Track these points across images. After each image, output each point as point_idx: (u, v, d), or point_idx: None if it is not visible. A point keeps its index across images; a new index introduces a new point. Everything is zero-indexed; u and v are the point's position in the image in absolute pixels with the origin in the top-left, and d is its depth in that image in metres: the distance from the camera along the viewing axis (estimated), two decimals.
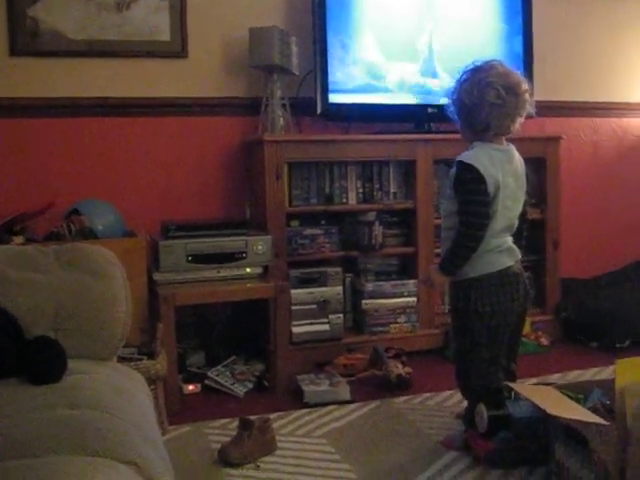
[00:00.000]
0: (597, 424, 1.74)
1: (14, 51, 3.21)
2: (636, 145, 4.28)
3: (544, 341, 3.47)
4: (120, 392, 1.61)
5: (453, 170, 2.28)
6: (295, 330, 3.17)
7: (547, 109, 3.95)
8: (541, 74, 3.80)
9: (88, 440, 1.25)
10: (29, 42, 3.22)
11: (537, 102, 3.66)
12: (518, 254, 2.35)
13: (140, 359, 2.51)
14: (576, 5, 4.10)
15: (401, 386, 2.91)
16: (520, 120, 2.28)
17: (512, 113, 2.23)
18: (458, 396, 2.68)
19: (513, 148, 2.34)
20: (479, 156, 2.23)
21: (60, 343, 1.68)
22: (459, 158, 2.25)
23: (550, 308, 3.64)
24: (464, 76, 2.28)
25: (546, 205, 3.60)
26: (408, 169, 3.40)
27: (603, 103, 4.17)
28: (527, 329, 3.49)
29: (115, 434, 1.30)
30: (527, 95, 2.25)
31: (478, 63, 2.28)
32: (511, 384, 2.16)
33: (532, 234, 3.57)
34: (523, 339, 3.39)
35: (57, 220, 2.99)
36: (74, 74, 3.27)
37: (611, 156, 4.24)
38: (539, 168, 3.61)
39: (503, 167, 2.25)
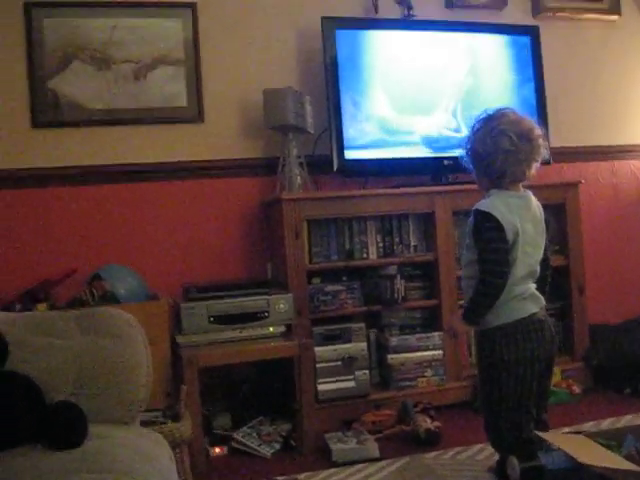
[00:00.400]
0: (632, 472, 1.69)
1: (36, 123, 3.29)
2: None
3: (576, 389, 3.39)
4: (141, 455, 1.59)
5: (471, 219, 2.27)
6: (321, 388, 3.13)
7: (564, 155, 3.97)
8: (555, 120, 3.82)
9: None
10: (50, 114, 3.30)
11: (553, 149, 3.71)
12: (542, 301, 2.32)
13: (164, 422, 2.48)
14: (586, 48, 4.13)
15: (430, 441, 2.85)
16: (536, 165, 2.28)
17: (527, 159, 2.23)
18: (489, 450, 2.61)
19: (530, 194, 2.33)
20: (496, 204, 2.22)
21: (81, 407, 1.67)
22: (476, 207, 2.25)
23: (579, 355, 3.57)
24: (477, 125, 2.30)
25: (569, 251, 3.56)
26: (427, 221, 3.40)
27: (620, 146, 4.16)
28: (557, 378, 3.44)
29: None
30: (541, 140, 2.24)
31: (490, 112, 2.30)
32: (541, 433, 2.10)
33: (557, 281, 3.53)
34: (554, 388, 3.35)
35: (80, 286, 3.02)
36: (93, 143, 3.34)
37: (632, 198, 4.21)
38: (559, 214, 3.59)
39: (521, 213, 2.24)
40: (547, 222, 2.38)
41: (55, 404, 1.68)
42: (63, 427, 1.61)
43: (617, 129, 4.19)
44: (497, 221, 2.18)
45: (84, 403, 1.75)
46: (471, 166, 2.33)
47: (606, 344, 3.65)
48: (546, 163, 3.62)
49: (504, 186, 2.26)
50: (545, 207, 2.33)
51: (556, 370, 3.43)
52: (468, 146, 2.30)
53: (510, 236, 2.19)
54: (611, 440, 1.97)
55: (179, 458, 2.47)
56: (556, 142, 3.82)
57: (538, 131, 2.26)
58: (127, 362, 1.87)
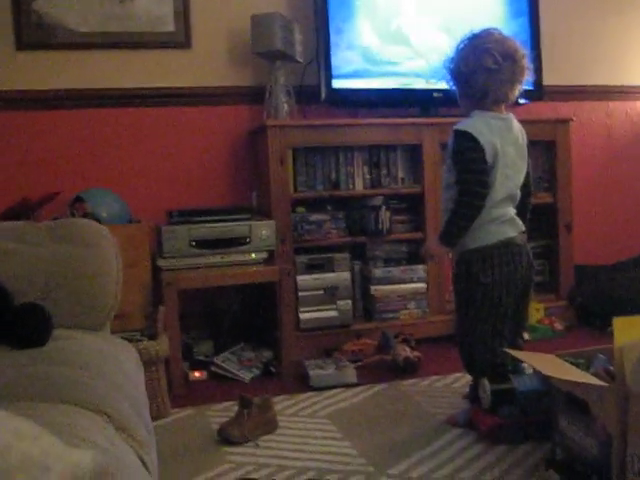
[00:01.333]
0: (597, 387, 1.68)
1: (20, 45, 3.24)
2: None
3: (558, 326, 3.40)
4: (104, 356, 1.59)
5: (451, 139, 2.24)
6: (303, 317, 3.14)
7: (558, 93, 3.92)
8: (550, 57, 3.76)
9: (59, 390, 1.23)
10: (34, 35, 3.24)
11: (547, 86, 3.69)
12: (521, 226, 2.30)
13: (140, 340, 2.49)
14: None
15: (408, 369, 2.86)
16: (519, 87, 2.24)
17: (510, 79, 2.19)
18: (466, 378, 2.63)
19: (513, 117, 2.29)
20: (476, 124, 2.19)
21: (46, 309, 1.66)
22: (456, 127, 2.22)
23: (564, 293, 3.56)
24: (461, 44, 2.26)
25: (557, 188, 3.53)
26: (415, 154, 3.37)
27: (616, 87, 4.10)
28: (541, 315, 3.44)
29: (88, 386, 1.28)
30: (525, 61, 2.20)
31: (475, 31, 2.25)
32: (510, 350, 2.10)
33: (544, 218, 3.53)
34: (537, 324, 3.36)
35: (62, 209, 3.00)
36: (78, 66, 3.29)
37: (625, 140, 4.16)
38: (549, 151, 3.56)
39: (502, 135, 2.21)
40: (529, 147, 2.34)
41: (20, 305, 1.67)
42: (27, 327, 1.60)
43: (614, 69, 4.11)
44: (477, 141, 2.15)
45: (52, 308, 1.74)
46: (454, 85, 2.29)
47: (591, 284, 3.64)
48: (538, 99, 3.62)
49: (486, 107, 2.23)
50: (536, 143, 2.30)
51: (540, 307, 3.44)
52: (451, 65, 2.26)
53: (490, 157, 2.17)
54: (580, 359, 1.96)
55: (155, 376, 2.49)
56: (550, 80, 3.78)
57: (523, 51, 2.21)
58: (97, 270, 1.86)
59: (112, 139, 3.33)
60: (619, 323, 1.64)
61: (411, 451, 2.12)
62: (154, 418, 2.37)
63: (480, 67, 2.16)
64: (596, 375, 1.84)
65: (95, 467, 0.54)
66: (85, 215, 2.86)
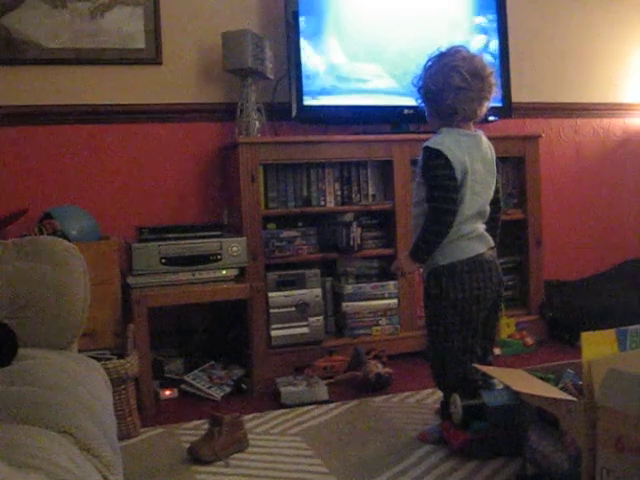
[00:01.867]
0: (566, 401, 1.69)
1: None
2: (617, 146, 4.26)
3: (529, 341, 3.42)
4: (70, 375, 1.56)
5: (421, 156, 2.25)
6: (274, 334, 3.12)
7: (527, 110, 3.97)
8: (520, 75, 3.82)
9: (23, 410, 1.21)
10: (3, 51, 3.21)
11: (516, 104, 3.73)
12: (491, 242, 2.32)
13: (110, 358, 2.46)
14: (554, 5, 4.10)
15: (380, 385, 2.85)
16: (487, 104, 2.26)
17: (478, 97, 2.21)
18: (438, 394, 2.63)
19: (482, 133, 2.31)
20: (446, 141, 2.20)
21: (10, 327, 1.63)
22: (426, 144, 2.23)
23: (534, 308, 3.59)
24: (429, 62, 2.27)
25: (527, 204, 3.56)
26: (386, 170, 3.38)
27: (584, 104, 4.16)
28: (512, 330, 3.46)
29: (52, 406, 1.26)
30: (492, 78, 2.22)
31: (443, 49, 2.27)
32: (480, 366, 2.11)
33: (514, 234, 3.56)
34: (508, 339, 3.38)
35: (30, 226, 2.96)
36: (48, 82, 3.26)
37: (593, 157, 4.22)
38: (519, 167, 3.59)
39: (471, 152, 2.23)
40: (497, 164, 2.36)
41: None
42: None
43: (581, 87, 4.17)
44: (446, 158, 2.17)
45: (18, 327, 1.71)
46: (423, 104, 2.30)
47: (561, 298, 3.68)
48: (507, 116, 3.66)
49: (455, 124, 2.24)
50: (505, 160, 2.31)
51: (510, 322, 3.46)
52: (420, 83, 2.27)
53: (459, 174, 2.18)
54: (549, 374, 1.98)
55: (124, 395, 2.46)
56: (519, 97, 3.83)
57: (490, 69, 2.24)
58: (64, 288, 1.84)
59: (82, 155, 3.31)
60: (587, 338, 1.65)
61: (382, 468, 2.12)
62: (124, 437, 2.36)
63: (448, 85, 2.18)
64: (565, 390, 1.85)
65: None
66: (54, 232, 2.83)
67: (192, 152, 3.45)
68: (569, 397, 1.69)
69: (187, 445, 2.28)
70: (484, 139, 2.31)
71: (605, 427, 1.58)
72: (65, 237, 2.86)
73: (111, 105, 3.33)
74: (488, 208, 2.31)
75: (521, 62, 3.89)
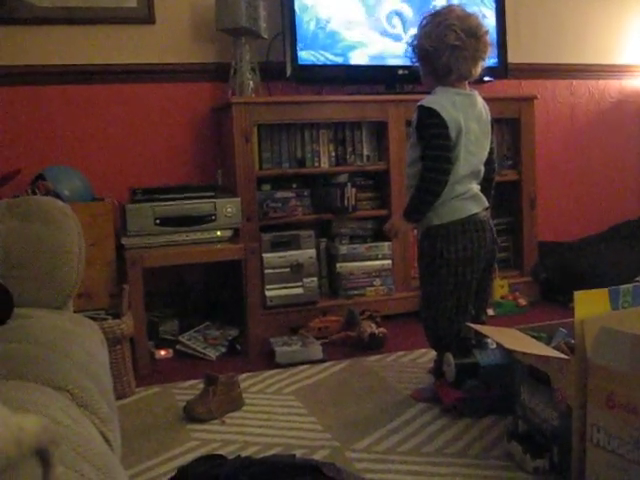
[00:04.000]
0: (558, 360, 1.71)
1: None
2: (613, 107, 4.25)
3: (522, 302, 3.44)
4: (67, 334, 1.56)
5: (415, 115, 2.24)
6: (269, 294, 3.14)
7: (523, 71, 3.94)
8: (516, 36, 3.79)
9: (20, 367, 1.22)
10: None
11: (511, 64, 3.70)
12: (485, 202, 2.31)
13: (105, 319, 2.47)
14: None
15: (374, 345, 2.88)
16: (482, 64, 2.24)
17: (473, 56, 2.19)
18: (431, 353, 2.64)
19: (476, 93, 2.30)
20: (440, 100, 2.19)
21: (5, 286, 1.64)
22: (420, 103, 2.22)
23: (527, 269, 3.60)
24: (424, 21, 2.25)
25: (521, 166, 3.56)
26: (380, 131, 3.37)
27: (580, 65, 4.13)
28: (505, 290, 3.48)
29: (49, 363, 1.27)
30: (487, 37, 2.20)
31: (438, 8, 2.25)
32: (473, 325, 2.12)
33: (508, 195, 3.56)
34: (501, 300, 3.40)
35: (24, 188, 2.95)
36: (39, 42, 3.22)
37: (588, 119, 4.21)
38: (514, 129, 3.58)
39: (466, 111, 2.22)
40: (492, 124, 2.35)
41: None
42: None
43: (577, 47, 4.15)
44: (441, 117, 2.16)
45: (13, 286, 1.71)
46: (417, 63, 2.29)
47: (554, 260, 3.69)
48: (503, 77, 3.64)
49: (450, 83, 2.23)
50: (500, 121, 2.31)
51: (504, 283, 3.48)
52: (415, 42, 2.25)
53: (453, 133, 2.18)
54: (542, 333, 1.99)
55: (120, 355, 2.47)
56: (514, 58, 3.80)
57: (485, 28, 2.22)
58: (58, 247, 1.83)
59: (74, 116, 3.28)
60: (580, 297, 1.66)
61: (376, 426, 2.14)
62: (119, 397, 2.38)
63: (443, 44, 2.16)
64: (557, 348, 1.86)
65: (40, 432, 0.53)
66: (47, 193, 2.82)
67: (185, 112, 3.42)
68: (561, 355, 1.71)
69: (182, 404, 2.30)
70: (479, 99, 2.30)
71: (596, 384, 1.60)
72: (58, 198, 2.85)
73: (103, 65, 3.30)
74: (482, 168, 2.31)
75: (517, 22, 3.85)
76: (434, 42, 2.17)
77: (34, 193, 2.83)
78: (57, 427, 0.93)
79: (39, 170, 2.99)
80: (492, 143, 2.36)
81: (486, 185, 2.37)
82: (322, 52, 3.33)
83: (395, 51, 3.42)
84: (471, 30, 2.17)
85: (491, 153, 2.36)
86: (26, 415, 0.53)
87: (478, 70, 2.23)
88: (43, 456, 0.56)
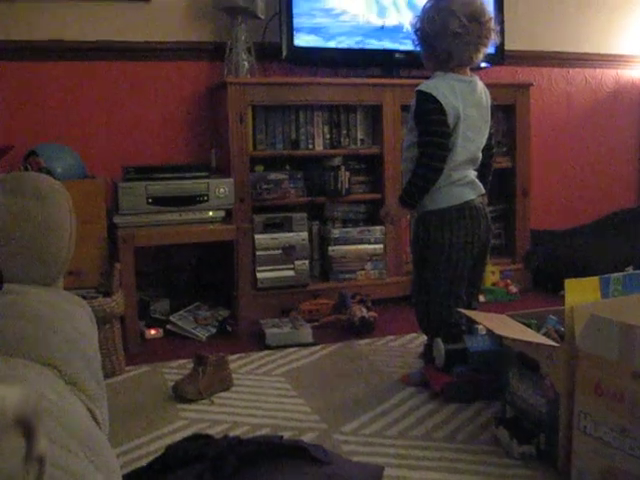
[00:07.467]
0: (547, 347, 1.71)
1: None
2: (609, 97, 4.24)
3: (513, 289, 3.44)
4: (56, 310, 1.56)
5: (413, 100, 2.23)
6: (260, 276, 3.13)
7: (519, 58, 3.92)
8: (514, 23, 3.76)
9: (8, 342, 1.21)
10: None
11: (508, 51, 3.68)
12: (481, 189, 2.31)
13: (95, 297, 2.46)
14: None
15: (364, 328, 2.88)
16: (484, 50, 2.22)
17: (475, 42, 2.17)
18: (421, 338, 2.66)
19: (477, 79, 2.28)
20: (439, 85, 2.18)
21: None
22: (419, 88, 2.20)
23: (519, 257, 3.61)
24: (427, 4, 2.23)
25: (516, 153, 3.55)
26: (375, 115, 3.35)
27: (576, 53, 4.12)
28: (496, 277, 3.48)
29: (38, 339, 1.26)
30: (491, 24, 2.18)
31: None
32: (464, 311, 2.12)
33: (502, 183, 3.55)
34: (492, 287, 3.40)
35: (15, 164, 2.93)
36: (34, 17, 3.19)
37: (584, 107, 4.20)
38: (509, 116, 3.57)
39: (465, 98, 2.20)
40: (492, 109, 2.34)
41: None
42: None
43: (574, 36, 4.13)
44: (439, 103, 2.14)
45: (2, 262, 1.71)
46: (419, 46, 2.27)
47: (546, 248, 3.70)
48: (499, 63, 3.63)
49: (450, 69, 2.21)
50: (495, 108, 2.29)
51: (495, 270, 3.48)
52: (418, 25, 2.24)
53: (451, 120, 2.17)
54: (532, 319, 2.00)
55: (109, 334, 2.47)
56: (511, 45, 3.77)
57: (489, 14, 2.20)
58: (50, 223, 1.82)
59: (68, 93, 3.25)
60: (570, 284, 1.66)
61: (364, 409, 2.14)
62: (109, 375, 2.38)
63: (445, 30, 2.14)
64: (547, 335, 1.87)
65: (23, 402, 0.53)
66: (39, 170, 2.80)
67: (180, 92, 3.40)
68: (550, 342, 1.71)
69: (172, 383, 2.30)
70: (479, 85, 2.28)
71: (584, 372, 1.61)
72: (50, 174, 2.83)
73: (98, 42, 3.26)
74: (480, 155, 2.30)
75: (515, 9, 3.83)
76: (436, 27, 2.16)
77: (26, 169, 2.81)
78: (42, 401, 0.93)
79: (31, 147, 2.97)
80: (491, 129, 2.35)
81: (484, 171, 2.36)
82: (318, 34, 3.30)
83: (392, 35, 3.40)
84: (475, 16, 2.15)
85: (490, 139, 2.35)
86: (8, 385, 0.53)
87: (480, 56, 2.22)
88: (26, 427, 0.56)
